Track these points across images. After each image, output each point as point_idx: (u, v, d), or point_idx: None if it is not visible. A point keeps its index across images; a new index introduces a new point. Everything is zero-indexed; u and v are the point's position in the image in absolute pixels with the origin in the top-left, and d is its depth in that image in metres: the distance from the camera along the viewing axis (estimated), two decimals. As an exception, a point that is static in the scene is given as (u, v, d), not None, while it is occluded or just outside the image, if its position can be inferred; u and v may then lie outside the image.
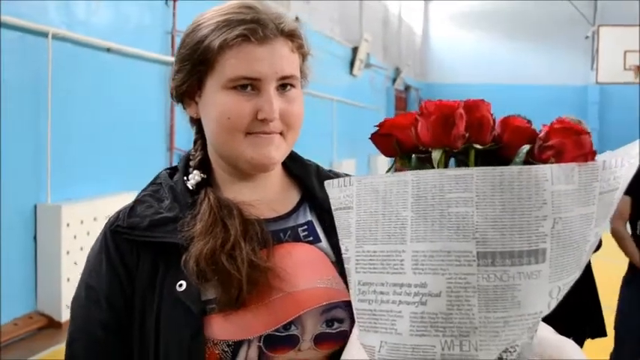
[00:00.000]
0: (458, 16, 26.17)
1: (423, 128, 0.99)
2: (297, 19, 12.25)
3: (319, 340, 1.24)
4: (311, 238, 1.33)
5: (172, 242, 1.22)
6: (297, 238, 1.32)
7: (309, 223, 1.34)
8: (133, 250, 1.25)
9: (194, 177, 1.31)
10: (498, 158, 1.00)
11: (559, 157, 0.96)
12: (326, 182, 1.09)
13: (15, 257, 5.77)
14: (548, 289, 0.93)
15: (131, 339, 1.25)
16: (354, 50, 16.53)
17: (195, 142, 1.36)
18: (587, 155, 0.97)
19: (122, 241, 1.26)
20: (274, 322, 1.21)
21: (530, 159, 0.98)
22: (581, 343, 3.95)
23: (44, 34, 5.91)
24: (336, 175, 1.38)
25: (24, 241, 5.84)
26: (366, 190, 1.02)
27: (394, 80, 21.31)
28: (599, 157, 0.98)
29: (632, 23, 18.16)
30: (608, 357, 4.18)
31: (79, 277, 1.32)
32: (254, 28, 1.22)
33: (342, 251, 1.05)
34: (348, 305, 1.19)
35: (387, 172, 1.04)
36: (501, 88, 24.87)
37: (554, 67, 25.03)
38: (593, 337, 3.96)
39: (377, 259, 0.99)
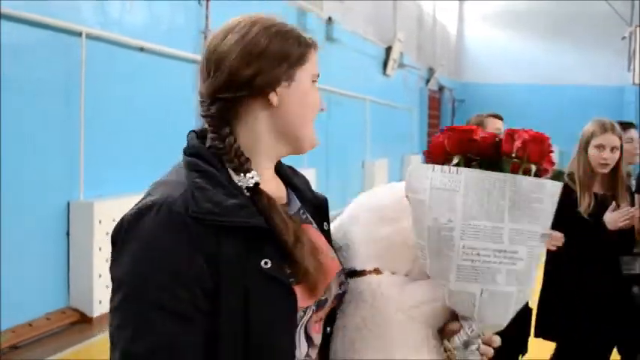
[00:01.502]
0: (492, 15, 25.99)
1: (534, 152, 1.50)
2: (330, 19, 12.27)
3: (335, 299, 1.54)
4: (307, 221, 1.57)
5: (262, 226, 1.39)
6: (302, 221, 1.55)
7: (302, 208, 1.58)
8: (212, 234, 1.35)
9: (253, 177, 1.45)
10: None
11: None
12: (429, 166, 1.48)
13: (48, 253, 5.84)
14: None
15: (216, 320, 1.34)
16: (388, 50, 16.49)
17: (220, 133, 1.47)
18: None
19: (200, 226, 1.34)
20: (324, 288, 1.48)
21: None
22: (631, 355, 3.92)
23: (78, 34, 5.97)
24: (291, 167, 1.67)
25: (57, 237, 5.92)
26: (474, 181, 1.44)
27: (428, 80, 21.22)
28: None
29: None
30: None
31: (129, 261, 1.35)
32: (315, 40, 1.55)
33: (444, 221, 1.44)
34: (350, 274, 1.57)
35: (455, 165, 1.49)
36: (536, 89, 24.70)
37: (590, 67, 24.73)
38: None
39: (481, 231, 1.43)
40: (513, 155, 1.48)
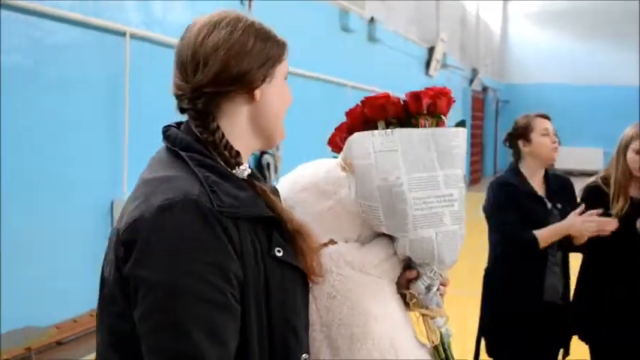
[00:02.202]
0: (537, 14, 25.72)
1: (445, 104, 1.74)
2: (372, 19, 12.23)
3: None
4: None
5: (272, 216, 1.49)
6: None
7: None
8: (234, 226, 1.40)
9: (246, 169, 1.53)
10: None
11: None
12: (368, 133, 1.64)
13: (93, 250, 5.89)
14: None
15: (244, 310, 1.40)
16: (430, 50, 16.39)
17: (216, 130, 1.51)
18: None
19: (225, 219, 1.39)
20: (319, 268, 1.60)
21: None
22: None
23: (122, 34, 6.02)
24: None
25: (101, 235, 5.97)
26: (406, 138, 1.63)
27: (471, 81, 21.04)
28: None
29: None
30: None
31: (165, 259, 1.35)
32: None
33: (393, 179, 1.60)
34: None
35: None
36: (581, 89, 24.38)
37: (635, 67, 24.32)
38: None
39: (422, 182, 1.61)
40: (425, 112, 1.69)
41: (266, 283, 1.44)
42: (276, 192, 1.69)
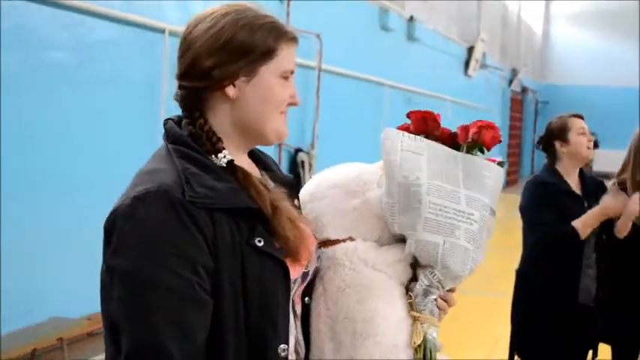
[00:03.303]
0: (580, 15, 25.44)
1: (490, 138, 1.75)
2: (412, 18, 12.15)
3: (314, 271, 1.66)
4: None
5: (253, 207, 1.48)
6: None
7: (276, 188, 1.65)
8: (208, 217, 1.41)
9: (225, 157, 1.52)
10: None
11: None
12: (399, 132, 1.70)
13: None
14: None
15: (218, 301, 1.42)
16: (470, 50, 16.27)
17: (194, 121, 1.53)
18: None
19: (197, 210, 1.40)
20: (307, 261, 1.60)
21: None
22: None
23: (161, 31, 6.03)
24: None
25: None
26: (434, 150, 1.68)
27: (510, 81, 20.86)
28: None
29: None
30: None
31: (135, 249, 1.38)
32: (295, 34, 1.60)
33: (413, 178, 1.64)
34: (322, 244, 1.70)
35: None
36: (622, 91, 24.06)
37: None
38: None
39: (443, 191, 1.65)
40: (469, 140, 1.72)
41: (243, 274, 1.44)
42: (289, 184, 1.71)
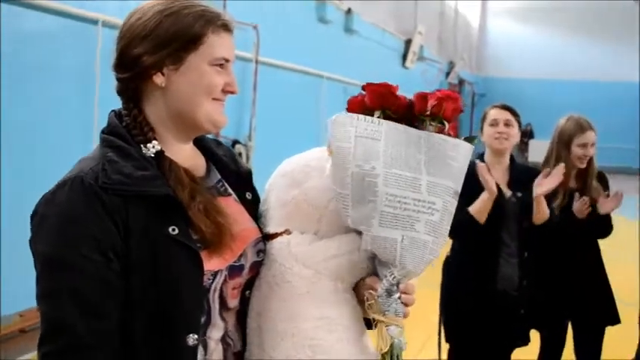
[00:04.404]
0: (516, 9, 25.83)
1: (450, 109, 1.60)
2: (349, 10, 12.17)
3: (253, 266, 1.64)
4: (226, 193, 1.69)
5: (167, 195, 1.48)
6: (219, 193, 1.67)
7: (221, 181, 1.70)
8: (122, 203, 1.45)
9: (154, 147, 1.55)
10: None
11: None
12: (350, 115, 1.56)
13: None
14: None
15: (128, 284, 1.45)
16: (408, 42, 16.39)
17: (130, 111, 1.57)
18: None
19: (110, 195, 1.44)
20: (234, 255, 1.59)
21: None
22: (596, 331, 4.06)
23: (95, 22, 5.94)
24: (216, 140, 1.80)
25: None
26: (394, 133, 1.54)
27: (447, 74, 21.07)
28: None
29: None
30: (635, 355, 4.12)
31: (49, 232, 1.44)
32: (229, 21, 1.60)
33: (368, 168, 1.52)
34: (265, 237, 1.67)
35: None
36: (558, 84, 24.55)
37: (612, 62, 24.55)
38: (605, 325, 4.06)
39: (402, 180, 1.52)
40: (427, 113, 1.58)
41: (155, 261, 1.46)
42: (241, 177, 1.74)
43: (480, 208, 3.54)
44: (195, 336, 1.50)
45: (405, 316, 1.61)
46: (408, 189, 1.52)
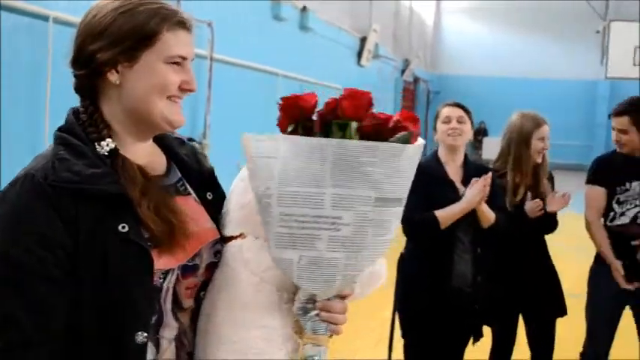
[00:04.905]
0: (470, 8, 26.05)
1: (350, 106, 1.47)
2: (304, 8, 12.15)
3: (209, 267, 1.63)
4: (186, 192, 1.68)
5: (116, 192, 1.47)
6: (178, 193, 1.66)
7: (181, 180, 1.69)
8: (71, 201, 1.44)
9: (107, 145, 1.54)
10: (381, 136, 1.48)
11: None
12: (244, 135, 1.46)
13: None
14: (399, 222, 1.50)
15: (77, 281, 1.45)
16: (363, 40, 16.43)
17: (87, 109, 1.57)
18: (418, 135, 1.51)
19: (58, 193, 1.44)
20: (188, 254, 1.58)
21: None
22: (548, 324, 4.14)
23: (45, 18, 5.85)
24: (180, 138, 1.77)
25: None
26: (292, 147, 1.42)
27: (403, 71, 21.17)
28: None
29: (643, 19, 18.05)
30: (582, 347, 4.26)
31: (6, 232, 1.44)
32: (186, 19, 1.59)
33: (263, 189, 1.44)
34: (223, 239, 1.64)
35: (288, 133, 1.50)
36: (512, 82, 24.83)
37: (565, 61, 24.92)
38: (555, 317, 4.14)
39: (299, 197, 1.41)
40: (339, 115, 1.48)
41: (104, 259, 1.45)
42: (203, 176, 1.73)
43: (449, 216, 3.57)
44: (145, 334, 1.49)
45: (334, 333, 1.56)
46: (307, 206, 1.42)
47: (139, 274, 1.48)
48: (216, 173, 1.82)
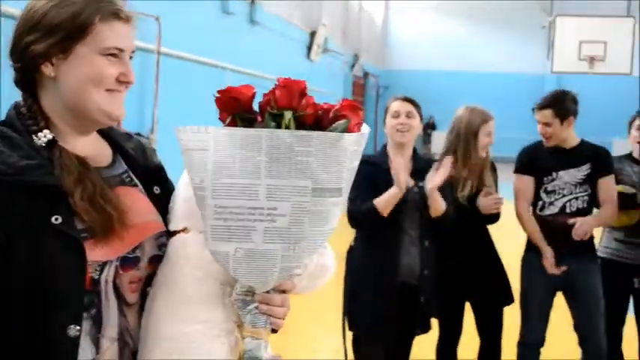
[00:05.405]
0: (419, 3, 26.18)
1: (282, 96, 1.45)
2: (253, 2, 12.09)
3: (152, 260, 1.60)
4: (132, 184, 1.67)
5: (50, 184, 1.46)
6: (123, 184, 1.64)
7: (126, 172, 1.67)
8: (5, 193, 1.44)
9: (45, 136, 1.53)
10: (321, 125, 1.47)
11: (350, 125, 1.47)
12: (177, 128, 1.45)
13: None
14: (339, 212, 1.48)
15: (8, 272, 1.43)
16: (312, 35, 16.40)
17: (26, 102, 1.56)
18: (360, 125, 1.50)
19: None
20: (127, 246, 1.55)
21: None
22: (496, 313, 4.23)
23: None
24: (127, 133, 1.75)
25: None
26: (224, 138, 1.41)
27: (352, 66, 21.21)
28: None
29: (588, 14, 18.38)
30: (518, 335, 4.33)
31: None
32: (121, 10, 1.56)
33: (196, 182, 1.43)
34: (169, 234, 1.61)
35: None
36: (461, 76, 25.08)
37: (513, 55, 25.26)
38: (502, 306, 4.22)
39: (234, 189, 1.40)
40: (272, 106, 1.46)
41: (36, 251, 1.44)
42: (150, 171, 1.71)
43: (385, 203, 3.59)
44: (77, 327, 1.47)
45: (275, 327, 1.55)
46: (242, 198, 1.40)
47: (70, 266, 1.46)
48: (166, 168, 1.80)
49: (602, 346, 4.14)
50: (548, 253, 4.11)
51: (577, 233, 4.02)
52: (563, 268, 4.08)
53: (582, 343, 4.20)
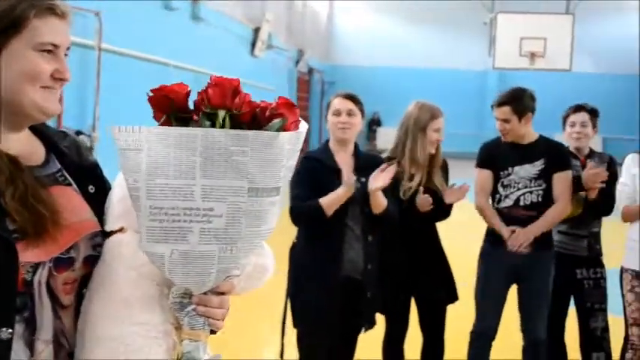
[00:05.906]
0: (362, 2, 26.26)
1: (215, 95, 1.43)
2: (196, -4, 11.99)
3: (87, 260, 1.57)
4: (65, 182, 1.63)
5: None
6: (56, 183, 1.61)
7: (60, 171, 1.64)
8: None
9: None
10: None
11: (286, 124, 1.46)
12: (112, 127, 1.42)
13: None
14: (278, 212, 1.48)
15: None
16: (256, 31, 16.33)
17: None
18: (297, 123, 1.48)
19: None
20: (60, 247, 1.52)
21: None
22: (438, 310, 4.29)
23: None
24: (63, 131, 1.74)
25: None
26: (157, 138, 1.38)
27: (297, 62, 21.18)
28: None
29: (528, 11, 18.67)
30: (472, 327, 4.39)
31: None
32: (57, 5, 1.54)
33: (130, 182, 1.41)
34: (104, 234, 1.59)
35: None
36: (405, 72, 25.25)
37: (455, 51, 25.52)
38: (445, 304, 4.28)
39: (168, 189, 1.38)
40: (206, 105, 1.44)
41: None
42: (84, 169, 1.69)
43: (332, 203, 3.60)
44: (9, 330, 1.44)
45: (214, 328, 1.53)
46: (177, 198, 1.38)
47: (1, 267, 1.43)
48: (107, 166, 1.77)
49: (542, 336, 4.25)
50: (507, 234, 4.18)
51: (512, 243, 4.13)
52: (524, 250, 4.13)
53: (524, 331, 4.31)
